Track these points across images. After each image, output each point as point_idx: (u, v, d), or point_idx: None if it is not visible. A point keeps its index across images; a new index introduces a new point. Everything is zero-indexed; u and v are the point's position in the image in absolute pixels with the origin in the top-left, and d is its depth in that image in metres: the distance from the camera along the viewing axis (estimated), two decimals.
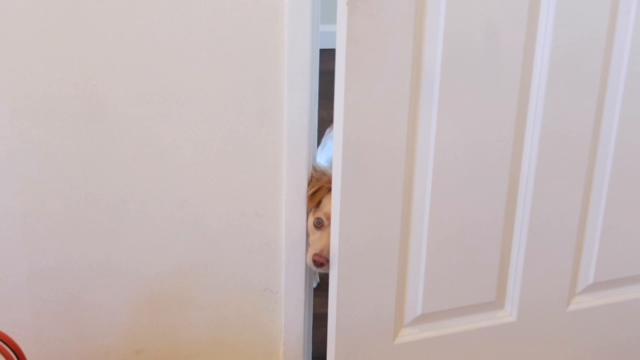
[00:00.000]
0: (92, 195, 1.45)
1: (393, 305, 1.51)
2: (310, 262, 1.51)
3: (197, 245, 1.54)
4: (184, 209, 1.50)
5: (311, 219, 1.53)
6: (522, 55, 1.38)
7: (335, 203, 1.40)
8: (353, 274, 1.46)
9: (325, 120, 1.70)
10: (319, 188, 1.51)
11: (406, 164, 1.39)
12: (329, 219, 1.48)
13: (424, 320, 1.55)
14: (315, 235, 1.52)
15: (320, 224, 1.52)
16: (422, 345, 1.57)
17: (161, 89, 1.39)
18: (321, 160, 1.71)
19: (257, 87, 1.42)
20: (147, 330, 1.60)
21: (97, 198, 1.46)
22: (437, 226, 1.47)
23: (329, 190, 1.49)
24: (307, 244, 1.56)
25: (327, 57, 1.62)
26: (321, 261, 1.48)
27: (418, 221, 1.45)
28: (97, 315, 1.57)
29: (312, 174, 1.52)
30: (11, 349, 1.19)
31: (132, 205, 1.48)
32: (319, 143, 1.90)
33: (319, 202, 1.52)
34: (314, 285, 1.88)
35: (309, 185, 1.51)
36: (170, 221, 1.50)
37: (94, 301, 1.55)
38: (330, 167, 1.50)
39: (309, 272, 1.62)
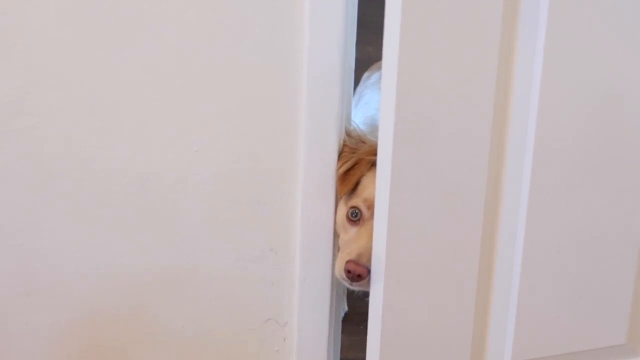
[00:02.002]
0: (2, 165, 1.48)
1: (468, 348, 1.55)
2: (341, 274, 1.51)
3: (163, 249, 1.57)
4: (144, 193, 1.53)
5: (343, 209, 1.56)
6: None
7: (381, 186, 1.41)
8: (407, 296, 1.48)
9: (361, 61, 1.69)
10: (355, 163, 1.54)
11: (493, 133, 1.43)
12: (371, 208, 1.50)
13: None
14: (350, 233, 1.55)
15: (358, 217, 1.54)
16: None
17: (116, 5, 1.40)
18: (356, 119, 1.71)
19: (264, 8, 1.45)
20: None
21: (10, 171, 1.49)
22: (538, 232, 1.50)
23: (371, 165, 1.53)
24: (336, 248, 1.58)
25: None
26: (359, 272, 1.48)
27: (509, 223, 1.50)
28: (9, 349, 1.61)
29: (344, 141, 1.55)
30: None
31: (64, 186, 1.50)
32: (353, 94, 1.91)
33: (356, 185, 1.56)
34: (341, 314, 1.83)
35: (339, 158, 1.55)
36: (123, 210, 1.53)
37: (4, 328, 1.59)
38: (372, 131, 1.55)
39: (336, 294, 1.64)
